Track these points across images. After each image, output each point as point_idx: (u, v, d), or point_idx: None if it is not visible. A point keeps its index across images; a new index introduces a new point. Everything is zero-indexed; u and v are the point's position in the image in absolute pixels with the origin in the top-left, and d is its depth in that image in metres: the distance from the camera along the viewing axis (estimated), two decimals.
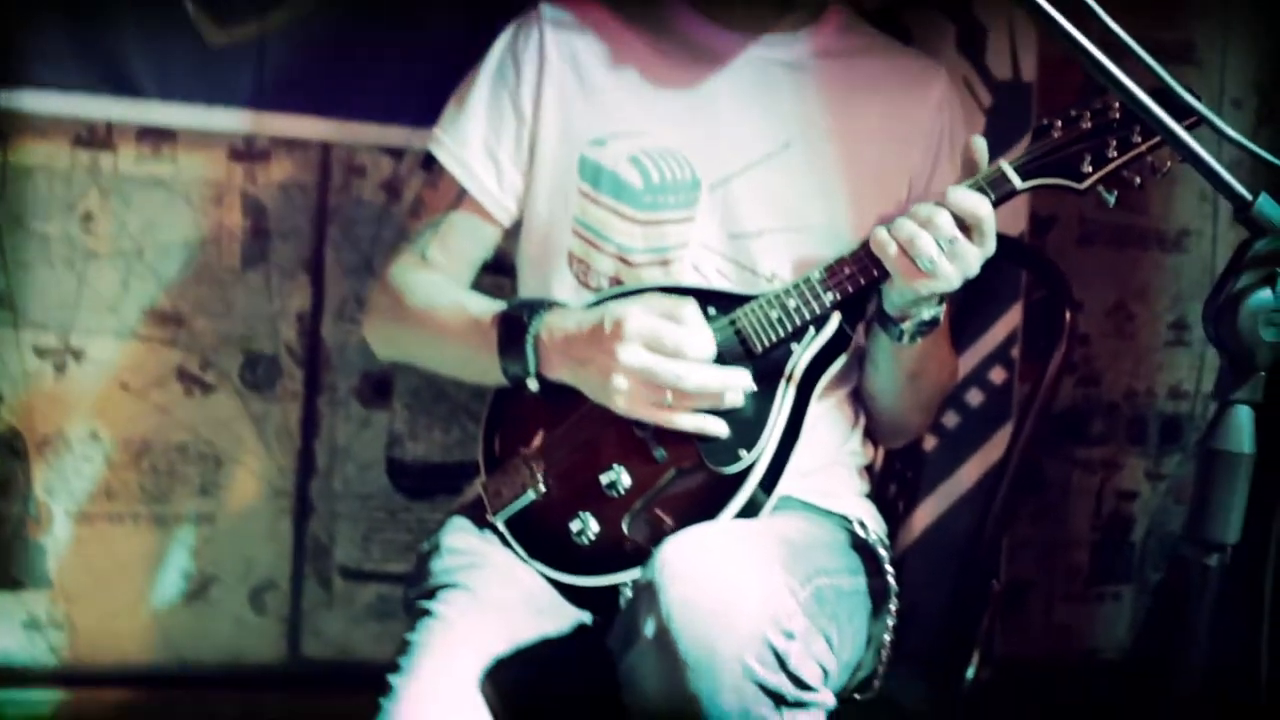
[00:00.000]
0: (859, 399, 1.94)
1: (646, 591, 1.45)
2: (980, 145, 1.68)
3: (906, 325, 1.75)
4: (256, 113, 2.41)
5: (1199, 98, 1.47)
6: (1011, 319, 2.69)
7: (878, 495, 2.05)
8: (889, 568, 1.81)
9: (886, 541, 1.92)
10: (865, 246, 1.69)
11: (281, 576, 2.54)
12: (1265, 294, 1.34)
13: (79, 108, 2.34)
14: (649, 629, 1.43)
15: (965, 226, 1.62)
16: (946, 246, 1.61)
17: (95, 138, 2.39)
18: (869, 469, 1.99)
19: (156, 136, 2.41)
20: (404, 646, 1.60)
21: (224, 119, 2.40)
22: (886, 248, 1.63)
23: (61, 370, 2.41)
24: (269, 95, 2.40)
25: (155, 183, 2.42)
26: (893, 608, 1.80)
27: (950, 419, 2.72)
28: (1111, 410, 2.93)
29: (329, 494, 2.54)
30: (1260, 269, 1.35)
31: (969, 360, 2.68)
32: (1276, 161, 1.33)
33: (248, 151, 2.45)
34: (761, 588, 1.45)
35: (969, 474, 2.72)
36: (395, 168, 2.50)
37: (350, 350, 2.52)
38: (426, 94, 2.40)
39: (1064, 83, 2.76)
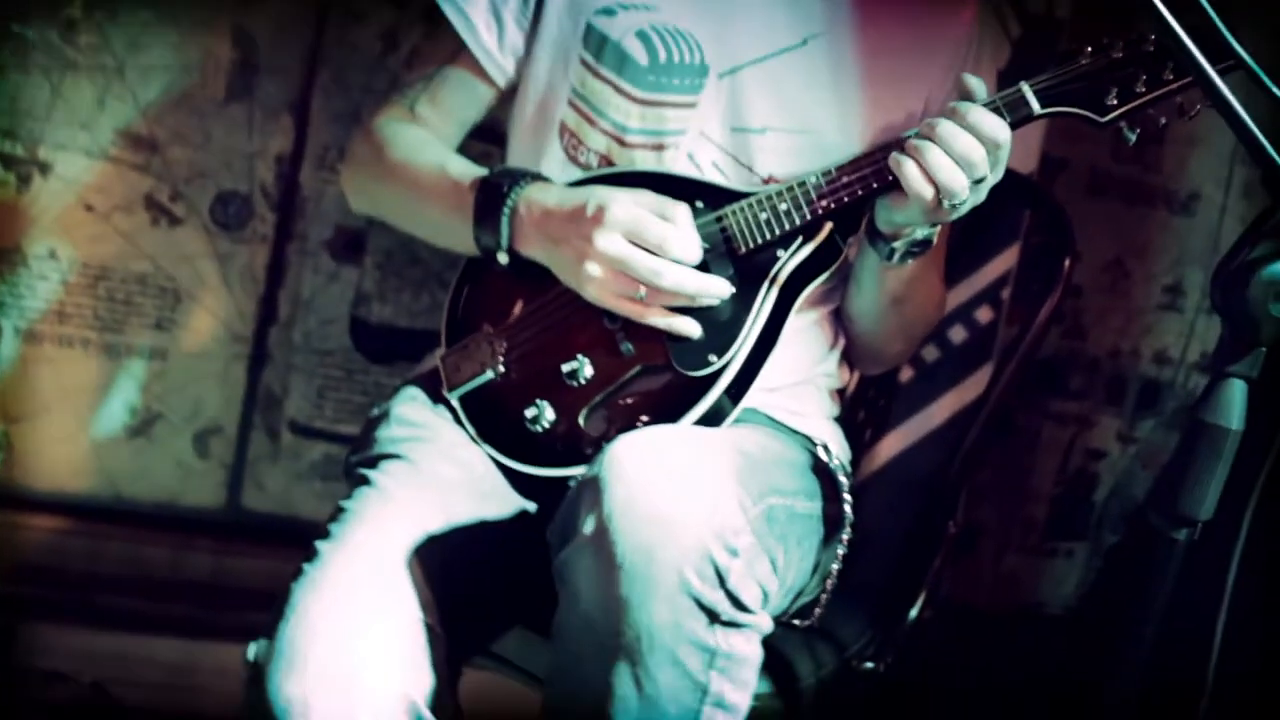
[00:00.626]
0: (839, 319, 1.87)
1: (590, 487, 1.39)
2: (977, 85, 1.58)
3: (898, 244, 1.67)
4: None
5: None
6: (1007, 259, 2.62)
7: (847, 420, 1.99)
8: (847, 495, 1.75)
9: (848, 468, 1.86)
10: (868, 156, 1.61)
11: (229, 423, 2.48)
12: None
13: None
14: (588, 526, 1.37)
15: (984, 148, 1.54)
16: (972, 180, 1.53)
17: None
18: (841, 392, 1.93)
19: None
20: (337, 513, 1.54)
21: None
22: (922, 190, 1.52)
23: (26, 183, 2.32)
24: None
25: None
26: (845, 537, 1.74)
27: (930, 352, 2.66)
28: (1093, 366, 2.88)
29: (287, 345, 2.47)
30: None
31: (957, 296, 2.61)
32: None
33: None
34: (711, 498, 1.39)
35: (942, 410, 2.67)
36: (397, 17, 2.40)
37: (327, 200, 2.44)
38: None
39: (1097, 27, 2.66)
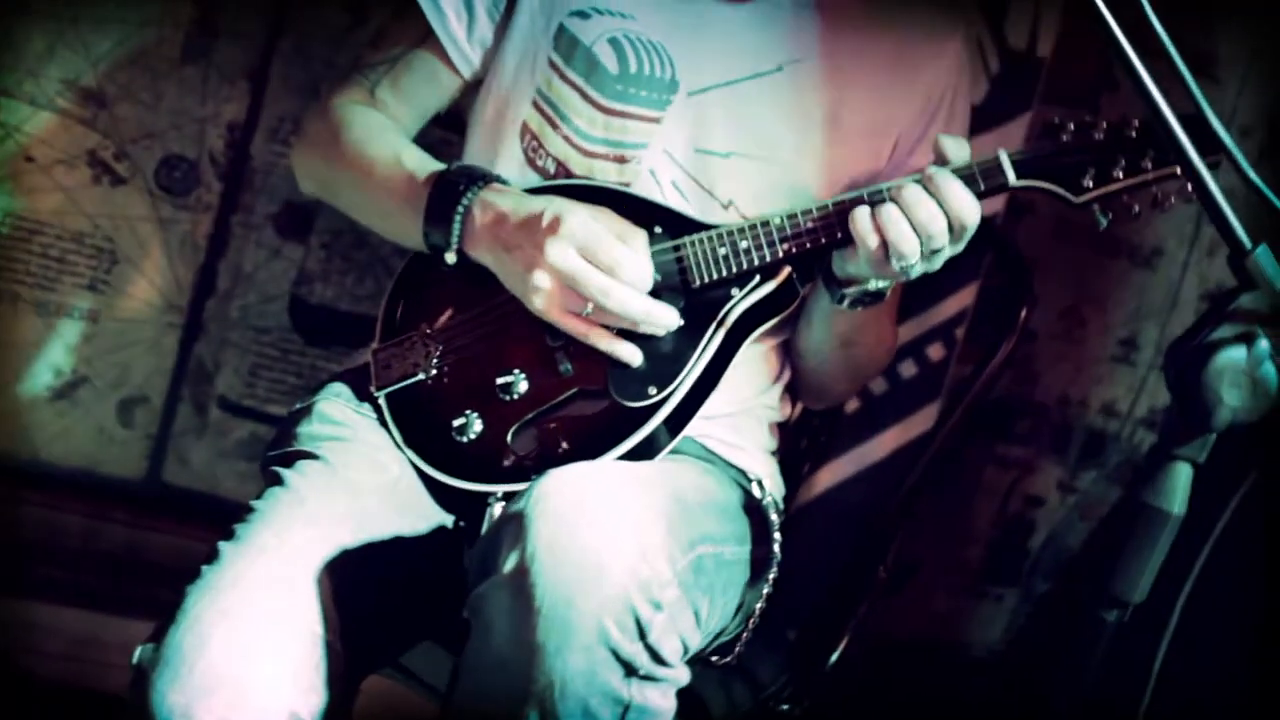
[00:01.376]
0: (787, 352, 1.83)
1: (514, 522, 1.33)
2: (956, 148, 1.54)
3: (850, 291, 1.63)
4: None
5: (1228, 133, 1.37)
6: (964, 298, 2.59)
7: (787, 446, 1.95)
8: (777, 535, 1.71)
9: (781, 505, 1.82)
10: (836, 206, 1.56)
11: (156, 393, 2.40)
12: (1239, 352, 1.23)
13: None
14: (509, 564, 1.31)
15: (948, 222, 1.50)
16: (927, 250, 1.49)
17: None
18: (781, 426, 1.88)
19: None
20: (245, 512, 1.47)
21: None
22: (868, 238, 1.50)
23: None
24: None
25: None
26: (771, 576, 1.70)
27: (878, 385, 2.63)
28: (1041, 412, 2.85)
29: (223, 319, 2.40)
30: (1241, 324, 1.24)
31: (911, 330, 2.58)
32: None
33: None
34: (638, 547, 1.34)
35: (884, 444, 2.65)
36: None
37: (277, 174, 2.37)
38: None
39: (1078, 69, 2.64)
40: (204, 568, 1.39)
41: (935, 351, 2.60)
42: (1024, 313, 2.01)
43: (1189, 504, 1.30)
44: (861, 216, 1.51)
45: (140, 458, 2.42)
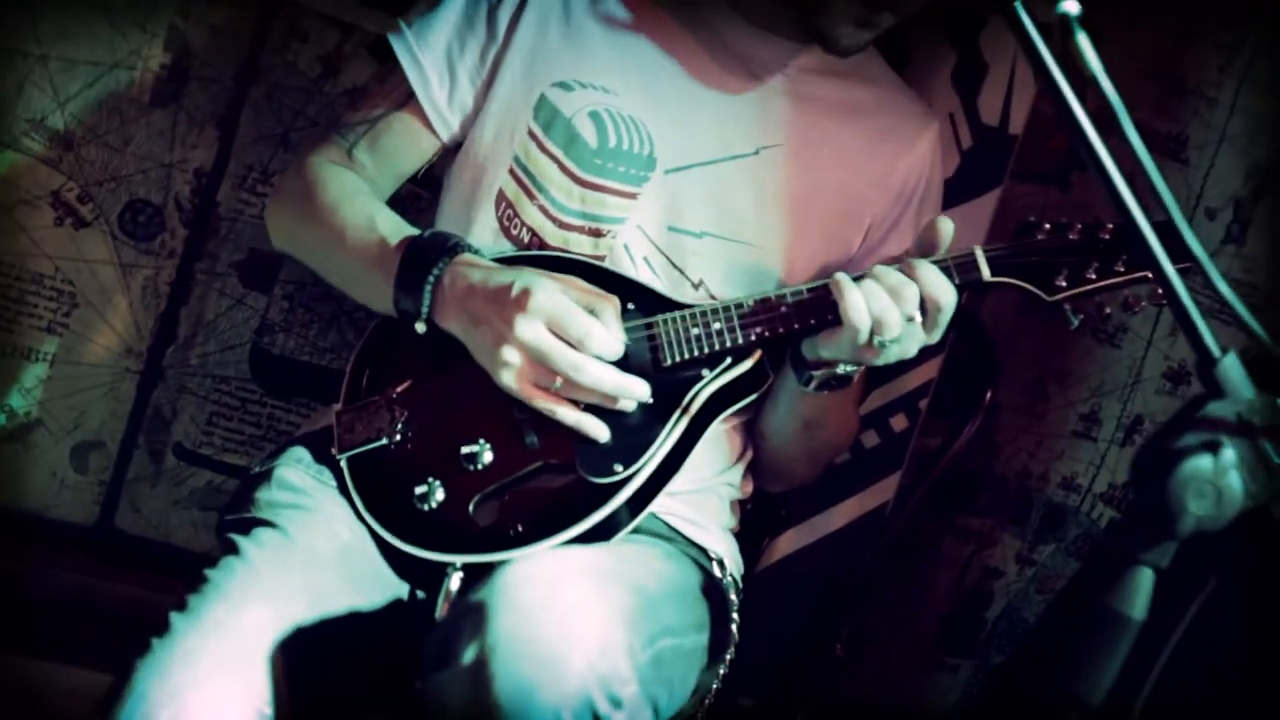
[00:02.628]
0: (749, 432, 1.82)
1: (475, 613, 1.31)
2: (946, 229, 1.54)
3: (818, 374, 1.63)
4: None
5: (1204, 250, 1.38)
6: (928, 370, 2.58)
7: (746, 513, 1.94)
8: (735, 616, 1.70)
9: (740, 583, 1.81)
10: (811, 291, 1.56)
11: (111, 439, 2.37)
12: (1204, 461, 1.22)
13: None
14: (468, 655, 1.29)
15: (923, 309, 1.50)
16: (905, 330, 1.49)
17: None
18: (741, 504, 1.87)
19: None
20: (199, 583, 1.44)
21: None
22: (856, 315, 1.49)
23: None
24: None
25: None
26: (728, 657, 1.69)
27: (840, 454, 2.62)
28: (1001, 485, 2.85)
29: (182, 366, 2.37)
30: (1207, 433, 1.24)
31: (874, 400, 2.57)
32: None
33: None
34: (599, 642, 1.32)
35: (843, 514, 2.63)
36: (340, 42, 2.31)
37: (243, 222, 2.35)
38: None
39: (1049, 146, 2.66)
40: (154, 640, 1.36)
41: (898, 422, 2.59)
42: (989, 395, 2.01)
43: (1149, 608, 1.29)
44: (851, 294, 1.50)
45: (93, 503, 2.38)
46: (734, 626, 1.68)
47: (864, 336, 1.49)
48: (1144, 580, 1.29)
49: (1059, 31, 1.15)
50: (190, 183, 2.31)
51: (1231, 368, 1.26)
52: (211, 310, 2.36)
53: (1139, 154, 1.28)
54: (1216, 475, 1.23)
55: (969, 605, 2.89)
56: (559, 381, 1.52)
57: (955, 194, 2.53)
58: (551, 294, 1.51)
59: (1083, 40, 1.14)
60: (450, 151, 1.78)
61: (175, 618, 1.39)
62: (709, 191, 1.70)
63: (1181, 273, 1.25)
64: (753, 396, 1.63)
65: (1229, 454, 1.22)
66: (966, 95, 2.55)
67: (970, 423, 2.02)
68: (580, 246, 1.70)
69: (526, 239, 1.72)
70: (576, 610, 1.33)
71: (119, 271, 2.31)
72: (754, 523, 2.07)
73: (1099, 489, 2.87)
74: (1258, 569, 1.41)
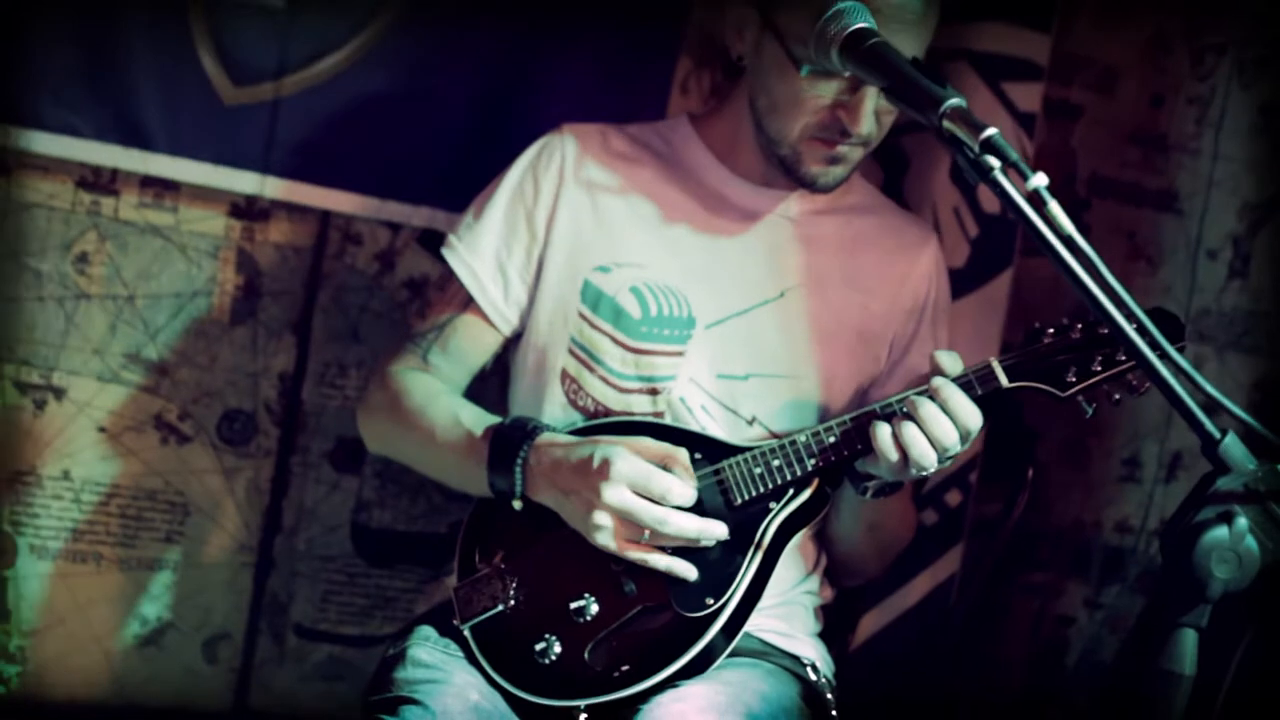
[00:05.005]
0: (821, 542, 2.01)
1: None
2: (945, 362, 1.73)
3: (872, 484, 1.82)
4: (262, 175, 2.44)
5: (1182, 326, 1.57)
6: (972, 447, 2.75)
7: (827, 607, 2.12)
8: (834, 714, 1.88)
9: (833, 681, 1.99)
10: (855, 421, 1.76)
11: (236, 629, 2.57)
12: (1222, 531, 1.40)
13: (87, 153, 2.36)
14: None
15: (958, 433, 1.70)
16: (943, 459, 1.68)
17: (99, 181, 2.41)
18: (824, 609, 2.05)
19: (160, 186, 2.44)
20: None
21: (229, 178, 2.43)
22: (890, 453, 1.69)
23: (41, 408, 2.43)
24: (276, 158, 2.44)
25: (154, 230, 2.45)
26: None
27: None
28: (1058, 538, 3.01)
29: (292, 552, 2.58)
30: (1220, 505, 1.42)
31: (928, 483, 2.75)
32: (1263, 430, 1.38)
33: (248, 210, 2.48)
34: None
35: (917, 590, 2.79)
36: (391, 240, 2.54)
37: (327, 414, 2.56)
38: (429, 174, 2.50)
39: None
40: None
41: (953, 498, 2.76)
42: (1030, 472, 2.19)
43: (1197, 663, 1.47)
44: (883, 435, 1.70)
45: (226, 690, 2.58)
46: None
47: (897, 465, 1.68)
48: (1188, 640, 1.46)
49: (1035, 202, 1.33)
50: (276, 386, 2.54)
51: (1232, 445, 1.43)
52: (310, 498, 2.58)
53: (1120, 294, 1.45)
54: (1234, 542, 1.40)
55: (1048, 655, 3.04)
56: (647, 534, 1.72)
57: (969, 282, 2.72)
58: (629, 459, 1.71)
59: (1055, 207, 1.32)
60: (513, 341, 2.00)
61: None
62: (746, 337, 1.92)
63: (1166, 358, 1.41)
64: (818, 518, 1.82)
65: (1242, 521, 1.40)
66: (966, 189, 2.75)
67: (1019, 498, 2.19)
68: (641, 406, 1.91)
69: (592, 407, 1.93)
70: None
71: (223, 476, 2.53)
72: (834, 615, 2.25)
73: (1151, 526, 3.03)
74: None
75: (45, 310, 2.42)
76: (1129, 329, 1.41)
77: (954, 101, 1.39)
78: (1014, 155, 1.33)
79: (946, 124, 1.39)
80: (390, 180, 2.49)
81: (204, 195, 2.45)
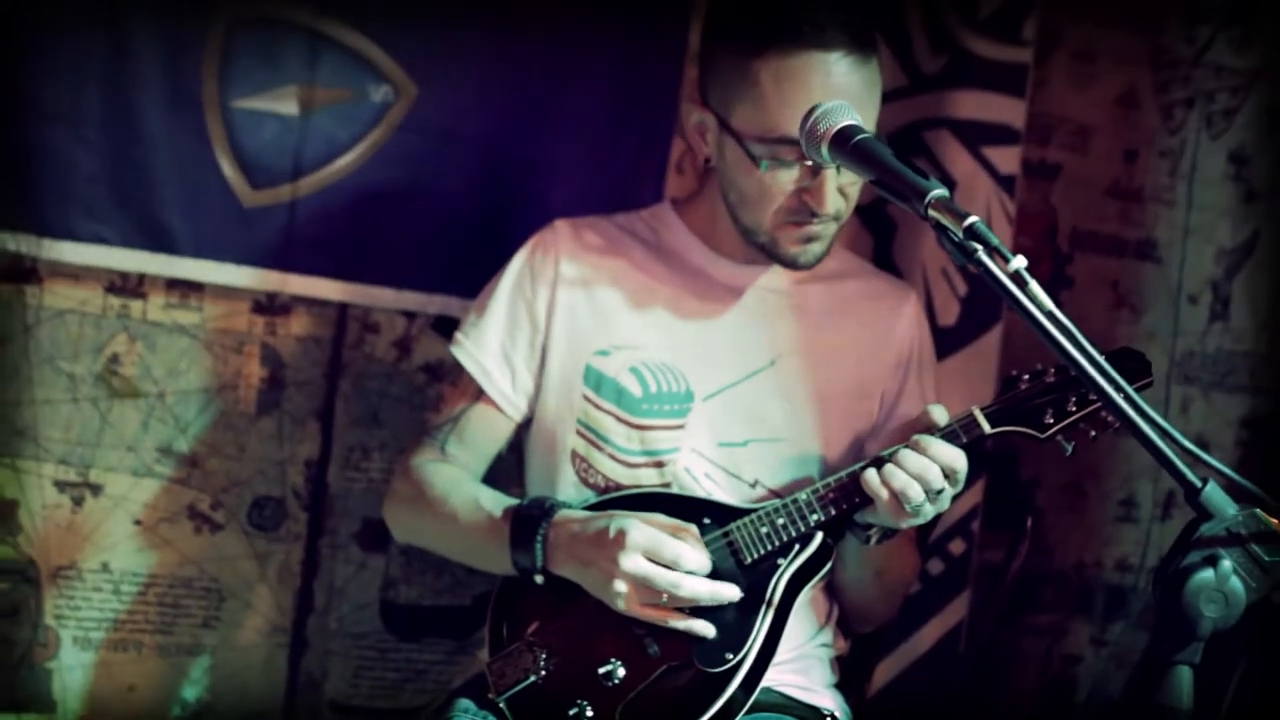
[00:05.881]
0: (832, 593, 2.12)
1: None
2: (937, 415, 1.86)
3: (872, 532, 1.94)
4: (282, 272, 2.56)
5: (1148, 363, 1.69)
6: (973, 495, 2.87)
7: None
8: None
9: None
10: (850, 476, 1.87)
11: (274, 708, 2.67)
12: (1208, 574, 1.50)
13: (115, 260, 2.48)
14: None
15: (944, 473, 1.81)
16: (933, 495, 1.80)
17: (127, 285, 2.53)
18: (839, 660, 2.16)
19: (185, 287, 2.55)
20: None
21: (250, 277, 2.55)
22: (880, 493, 1.81)
23: (79, 504, 2.54)
24: (294, 255, 2.56)
25: (180, 330, 2.56)
26: None
27: (913, 585, 2.89)
28: (1061, 579, 3.12)
29: (324, 631, 2.68)
30: (1204, 549, 1.52)
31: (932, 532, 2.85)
32: (1252, 487, 1.49)
33: (270, 305, 2.60)
34: None
35: (927, 637, 2.89)
36: (407, 327, 2.66)
37: (353, 497, 2.67)
38: (440, 263, 2.62)
39: (1035, 274, 2.97)
40: None
41: (956, 546, 2.87)
42: (1029, 521, 2.31)
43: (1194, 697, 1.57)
44: (870, 477, 1.83)
45: None
46: None
47: (889, 504, 1.79)
48: (1184, 677, 1.56)
49: (1017, 281, 1.44)
50: (302, 472, 2.64)
51: (1213, 493, 1.54)
52: (340, 578, 2.68)
53: (1104, 367, 1.55)
54: (1220, 582, 1.51)
55: (1058, 694, 3.14)
56: (665, 597, 1.83)
57: (961, 338, 2.83)
58: (642, 529, 1.83)
59: (1035, 286, 1.44)
60: (524, 426, 2.13)
61: None
62: (743, 406, 2.04)
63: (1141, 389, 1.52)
64: (824, 570, 1.94)
65: (1227, 564, 1.51)
66: None
67: (1020, 546, 2.30)
68: (649, 479, 2.04)
69: (603, 483, 2.05)
70: None
71: (255, 561, 2.64)
72: (850, 666, 2.35)
73: (1150, 563, 3.14)
74: (1273, 647, 1.67)
75: (80, 411, 2.53)
76: (1117, 398, 1.50)
77: (937, 192, 1.51)
78: (995, 240, 1.45)
79: (932, 213, 1.51)
80: (404, 270, 2.61)
81: (227, 294, 2.57)
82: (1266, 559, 1.51)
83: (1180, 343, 3.12)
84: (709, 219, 2.10)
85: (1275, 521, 1.50)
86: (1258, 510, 1.49)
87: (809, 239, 1.99)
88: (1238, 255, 3.14)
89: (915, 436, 1.83)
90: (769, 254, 2.02)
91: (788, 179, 1.92)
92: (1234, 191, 3.11)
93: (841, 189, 1.94)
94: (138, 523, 2.58)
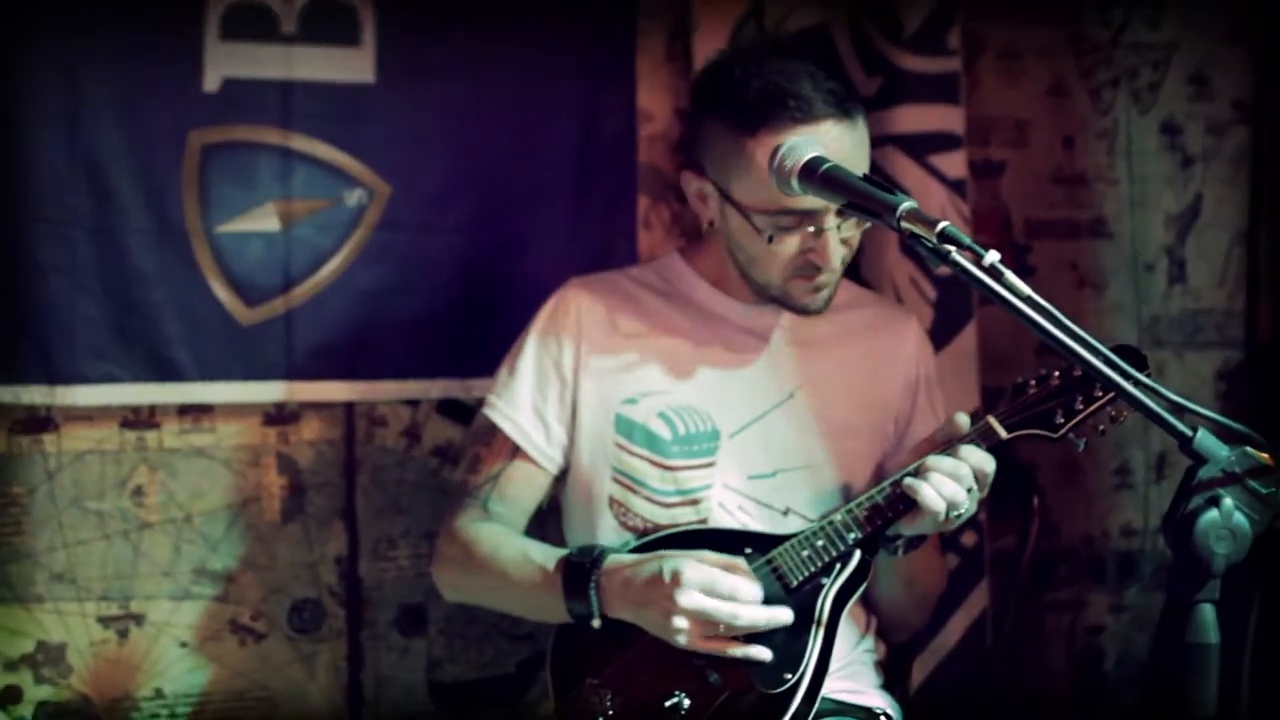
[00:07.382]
0: (869, 605, 2.22)
1: None
2: (962, 421, 1.98)
3: (899, 543, 2.05)
4: (287, 382, 2.65)
5: (1145, 357, 1.81)
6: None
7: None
8: None
9: None
10: (880, 494, 1.98)
11: None
12: (1213, 513, 1.61)
13: (126, 396, 2.57)
14: None
15: (975, 477, 1.93)
16: (973, 502, 1.91)
17: (141, 418, 2.61)
18: (882, 664, 2.26)
19: (197, 411, 2.64)
20: None
21: (258, 391, 2.64)
22: (937, 504, 1.91)
23: (124, 636, 2.61)
24: (296, 364, 2.65)
25: (197, 452, 2.65)
26: None
27: None
28: (1071, 554, 3.23)
29: None
30: (1205, 492, 1.63)
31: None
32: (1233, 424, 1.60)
33: (279, 416, 2.69)
34: None
35: (955, 629, 2.97)
36: (414, 415, 2.75)
37: (386, 586, 2.75)
38: (437, 349, 2.72)
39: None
40: None
41: (968, 538, 2.96)
42: (1036, 501, 2.41)
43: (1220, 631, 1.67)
44: (923, 490, 1.92)
45: None
46: None
47: (943, 516, 1.90)
48: (1207, 613, 1.67)
49: (994, 274, 1.56)
50: (334, 570, 2.73)
51: (1204, 439, 1.64)
52: (385, 665, 2.76)
53: (1081, 335, 1.66)
54: (1226, 520, 1.61)
55: (1087, 665, 3.24)
56: (722, 628, 1.92)
57: (938, 340, 2.91)
58: (696, 567, 1.92)
59: (1011, 276, 1.55)
60: (560, 478, 2.21)
61: None
62: (767, 439, 2.15)
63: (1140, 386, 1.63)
64: (864, 585, 2.04)
65: (1228, 501, 1.61)
66: (917, 259, 2.98)
67: (1031, 527, 2.41)
68: (685, 517, 2.13)
69: (641, 525, 2.15)
70: None
71: (302, 664, 2.71)
72: (890, 668, 2.45)
73: (1153, 525, 3.25)
74: None
75: (113, 546, 2.61)
76: (1098, 363, 1.62)
77: (907, 205, 1.63)
78: (967, 240, 1.57)
79: (905, 224, 1.63)
80: (403, 361, 2.71)
81: (237, 411, 2.66)
82: (1264, 491, 1.61)
83: (1145, 310, 3.25)
84: (718, 267, 2.21)
85: (1265, 456, 1.60)
86: (1247, 448, 1.60)
87: (818, 289, 2.10)
88: (1185, 219, 3.28)
89: (956, 445, 1.94)
90: (781, 304, 2.14)
91: (793, 243, 2.04)
92: (1171, 160, 3.26)
93: (844, 241, 2.06)
94: (183, 645, 2.65)
